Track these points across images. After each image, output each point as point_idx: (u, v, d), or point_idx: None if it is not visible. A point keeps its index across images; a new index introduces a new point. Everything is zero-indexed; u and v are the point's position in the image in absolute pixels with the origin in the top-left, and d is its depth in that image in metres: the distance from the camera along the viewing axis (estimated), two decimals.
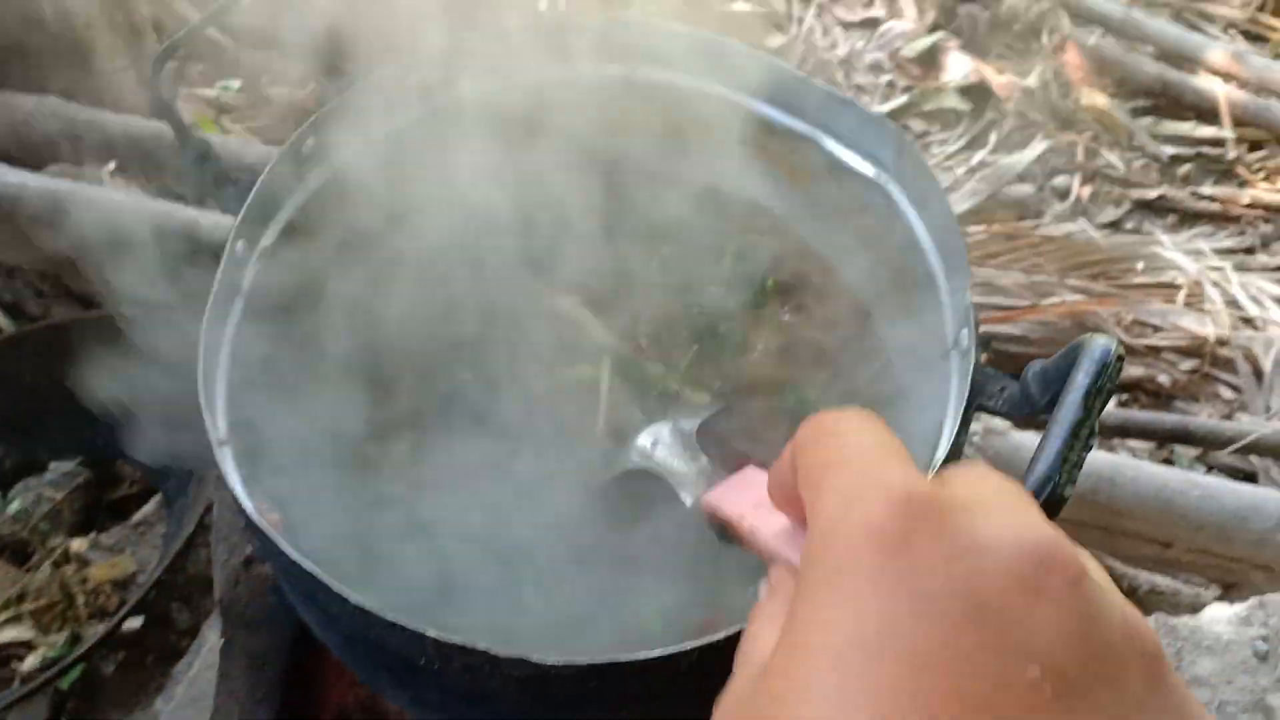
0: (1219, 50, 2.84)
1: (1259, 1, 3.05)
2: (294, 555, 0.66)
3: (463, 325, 0.94)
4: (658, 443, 0.83)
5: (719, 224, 1.03)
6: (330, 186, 0.89)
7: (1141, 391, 2.29)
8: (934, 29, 3.01)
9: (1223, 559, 1.75)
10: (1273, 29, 2.94)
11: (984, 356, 0.79)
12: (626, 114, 1.00)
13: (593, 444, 0.90)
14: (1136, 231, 2.72)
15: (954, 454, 0.74)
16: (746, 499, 0.54)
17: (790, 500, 0.45)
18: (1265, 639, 1.43)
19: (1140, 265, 2.47)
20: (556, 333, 0.97)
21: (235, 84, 2.25)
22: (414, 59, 0.94)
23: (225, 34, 2.23)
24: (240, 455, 0.74)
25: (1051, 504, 0.64)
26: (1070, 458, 0.64)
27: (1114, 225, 2.72)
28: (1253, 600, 1.49)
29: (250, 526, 0.71)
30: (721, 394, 0.93)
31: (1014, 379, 0.77)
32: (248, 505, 0.69)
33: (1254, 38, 3.03)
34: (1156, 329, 2.33)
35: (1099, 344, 0.67)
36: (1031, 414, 0.76)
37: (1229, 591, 1.79)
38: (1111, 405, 2.06)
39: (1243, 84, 2.81)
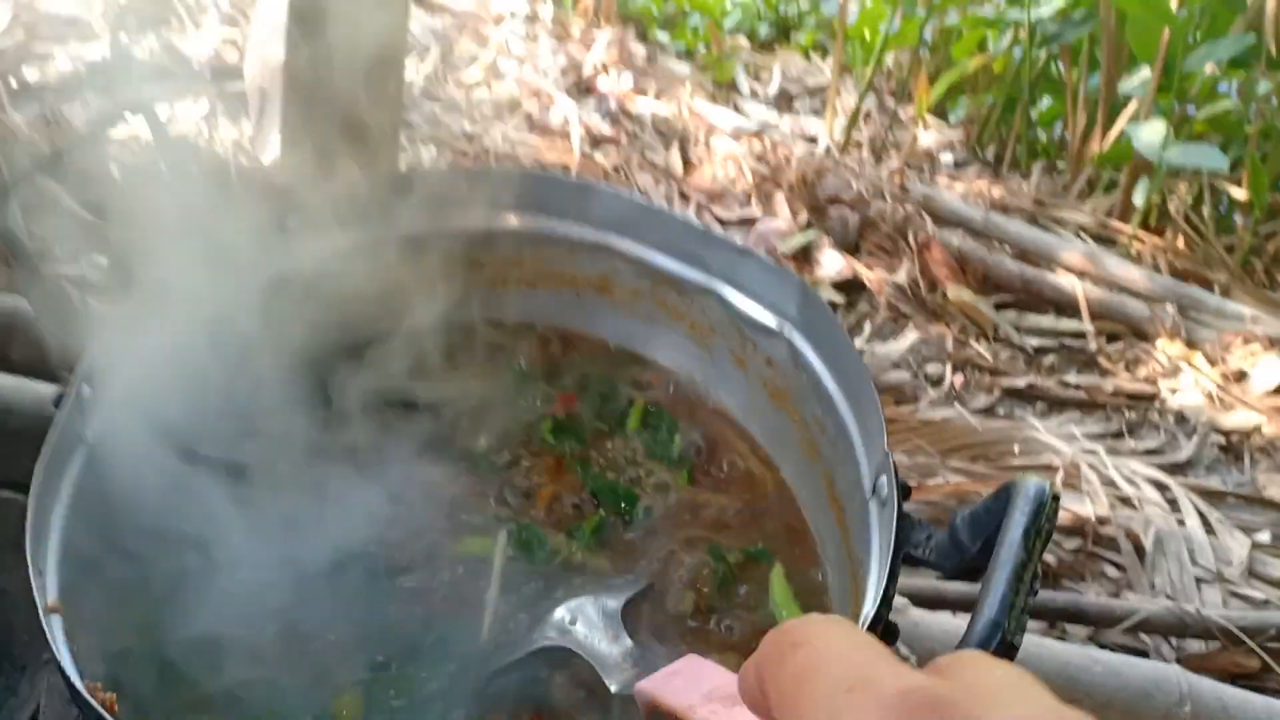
0: (1073, 251, 3.00)
1: (1106, 209, 3.26)
2: None
3: (336, 492, 0.85)
4: (577, 619, 0.75)
5: (616, 384, 0.98)
6: (192, 333, 0.81)
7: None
8: (807, 227, 3.12)
9: None
10: (1120, 232, 3.13)
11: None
12: (522, 266, 0.96)
13: (491, 624, 0.81)
14: (1009, 417, 2.78)
15: (884, 606, 0.69)
16: (694, 690, 0.48)
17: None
18: None
19: (1017, 448, 2.51)
20: (441, 504, 0.88)
21: (102, 260, 2.16)
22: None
23: (91, 212, 2.15)
24: (73, 627, 0.63)
25: (1002, 653, 0.58)
26: (1016, 603, 0.59)
27: (987, 411, 2.78)
28: None
29: (81, 715, 0.60)
30: (628, 559, 0.85)
31: (940, 528, 0.73)
32: (77, 682, 0.59)
33: (1104, 240, 3.22)
34: None
35: (1032, 484, 0.64)
36: (961, 563, 0.71)
37: None
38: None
39: (1097, 281, 2.96)
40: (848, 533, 0.84)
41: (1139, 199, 3.06)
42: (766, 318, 0.91)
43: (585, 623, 0.74)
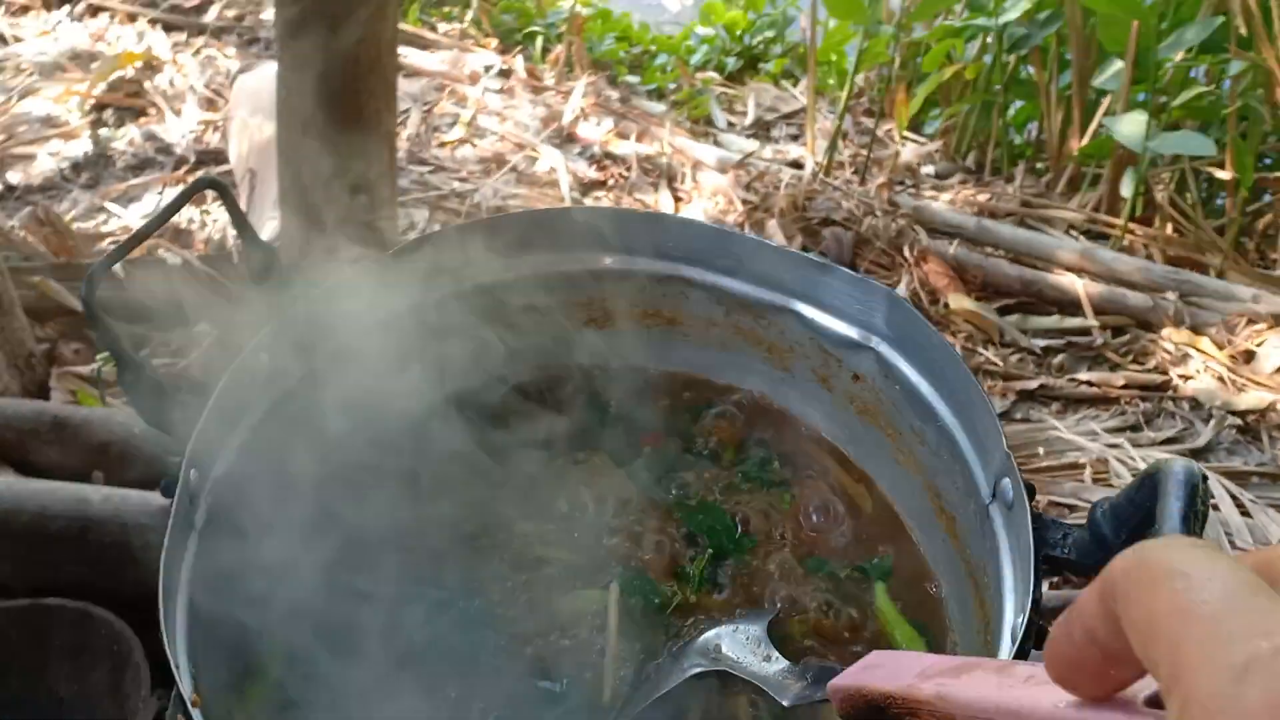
0: (1068, 249, 3.02)
1: (1092, 204, 3.29)
2: None
3: (443, 554, 0.83)
4: (721, 645, 0.73)
5: (698, 418, 0.97)
6: (290, 401, 0.80)
7: (1070, 571, 2.27)
8: (804, 249, 3.13)
9: None
10: (1111, 226, 3.16)
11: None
12: (590, 308, 0.95)
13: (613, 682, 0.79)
14: (1027, 420, 2.78)
15: (1033, 612, 0.67)
16: (903, 673, 0.46)
17: (1100, 661, 0.36)
18: None
19: (1042, 450, 2.51)
20: (543, 560, 0.86)
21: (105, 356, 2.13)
22: (362, 268, 0.88)
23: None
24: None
25: None
26: None
27: (1004, 416, 2.78)
28: None
29: None
30: (742, 592, 0.84)
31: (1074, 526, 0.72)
32: None
33: (1094, 236, 3.24)
34: (1072, 508, 2.34)
35: (1179, 467, 0.63)
36: (1104, 558, 0.69)
37: None
38: (1045, 587, 2.03)
39: (1095, 276, 2.97)
40: (960, 542, 0.83)
41: (1127, 191, 3.08)
42: (850, 331, 0.90)
43: (733, 647, 0.72)
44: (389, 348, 0.83)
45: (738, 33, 4.10)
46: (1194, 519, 0.60)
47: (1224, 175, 3.03)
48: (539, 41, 3.83)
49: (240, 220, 0.80)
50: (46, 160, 2.76)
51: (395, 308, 0.88)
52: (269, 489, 0.74)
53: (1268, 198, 3.26)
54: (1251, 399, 2.75)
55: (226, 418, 0.76)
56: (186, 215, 2.61)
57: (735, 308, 0.94)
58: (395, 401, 0.82)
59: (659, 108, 3.66)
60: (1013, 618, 0.69)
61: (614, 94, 3.65)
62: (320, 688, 0.75)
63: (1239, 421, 2.74)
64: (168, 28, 3.30)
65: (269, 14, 3.49)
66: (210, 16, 3.44)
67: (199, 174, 2.80)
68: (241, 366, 0.77)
